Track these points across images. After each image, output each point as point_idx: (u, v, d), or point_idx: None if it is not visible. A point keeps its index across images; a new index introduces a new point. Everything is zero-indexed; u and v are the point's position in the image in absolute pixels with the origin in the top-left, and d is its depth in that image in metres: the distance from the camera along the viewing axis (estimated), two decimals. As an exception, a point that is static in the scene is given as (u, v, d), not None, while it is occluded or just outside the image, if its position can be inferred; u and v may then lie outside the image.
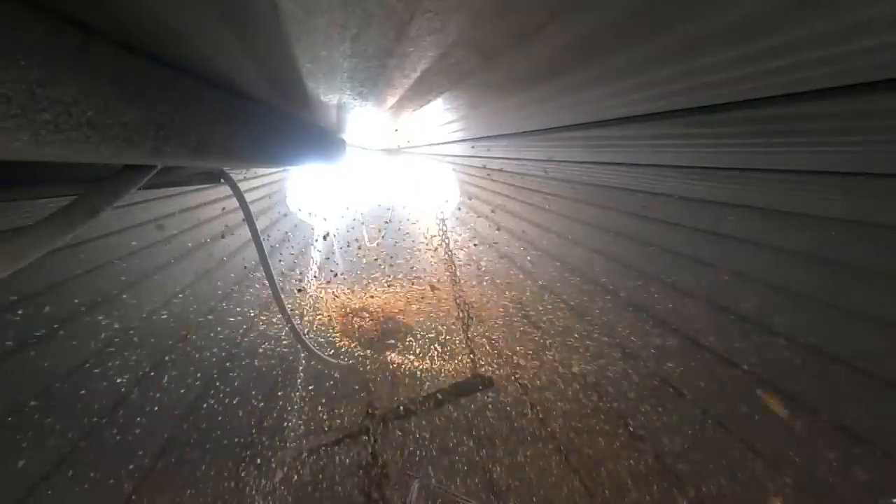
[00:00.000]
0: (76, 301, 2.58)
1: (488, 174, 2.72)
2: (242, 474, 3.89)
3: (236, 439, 3.72)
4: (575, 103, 1.58)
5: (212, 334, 3.16)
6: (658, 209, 2.45)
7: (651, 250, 2.81)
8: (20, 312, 2.38)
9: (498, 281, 3.27)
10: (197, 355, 3.19)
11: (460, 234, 3.12)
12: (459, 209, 3.01)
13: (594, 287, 3.17)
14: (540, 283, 3.26)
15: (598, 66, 1.19)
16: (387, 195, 2.93)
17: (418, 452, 3.69)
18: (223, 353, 3.32)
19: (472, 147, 2.35)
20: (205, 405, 3.45)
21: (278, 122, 1.63)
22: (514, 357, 3.46)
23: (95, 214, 1.03)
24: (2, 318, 2.34)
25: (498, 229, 3.07)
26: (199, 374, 3.29)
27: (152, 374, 3.16)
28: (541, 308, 3.35)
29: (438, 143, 2.37)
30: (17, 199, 1.21)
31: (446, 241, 2.85)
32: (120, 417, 3.18)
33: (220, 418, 3.56)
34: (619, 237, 2.82)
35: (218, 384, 3.43)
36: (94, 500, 3.28)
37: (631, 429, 3.74)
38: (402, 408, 2.81)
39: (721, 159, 1.78)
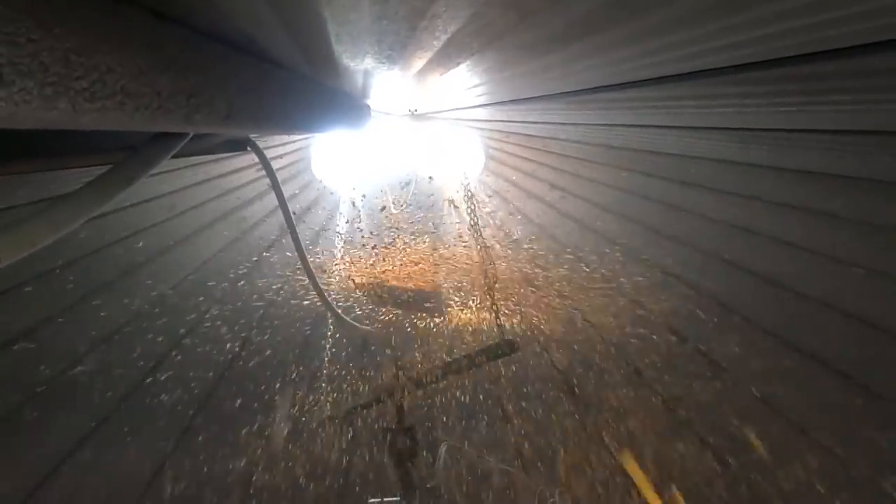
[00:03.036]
0: (114, 267, 2.64)
1: (514, 138, 2.68)
2: (273, 437, 3.99)
3: (266, 403, 3.81)
4: (607, 63, 1.54)
5: (242, 300, 3.21)
6: (690, 172, 2.40)
7: (682, 215, 2.76)
8: (63, 278, 2.45)
9: (524, 246, 3.26)
10: (227, 321, 3.25)
11: (485, 199, 3.10)
12: (485, 174, 2.98)
13: (621, 252, 3.15)
14: (566, 248, 3.23)
15: (634, 24, 1.15)
16: (412, 161, 2.90)
17: (445, 415, 3.74)
18: (253, 319, 3.38)
19: (499, 111, 2.31)
20: (235, 369, 3.53)
21: (305, 88, 1.61)
22: (540, 321, 3.47)
23: (131, 183, 1.04)
24: (46, 284, 2.41)
25: (524, 194, 3.04)
26: (229, 340, 3.35)
27: (185, 339, 3.23)
28: (567, 273, 3.33)
29: (464, 108, 2.34)
30: (54, 169, 1.22)
31: (471, 206, 2.83)
32: (155, 382, 3.28)
33: (249, 382, 3.64)
34: (647, 201, 2.78)
35: (247, 349, 3.49)
36: (135, 457, 3.42)
37: (658, 390, 3.74)
38: (428, 372, 2.83)
39: (759, 119, 1.72)
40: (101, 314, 2.77)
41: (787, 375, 3.13)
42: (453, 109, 2.40)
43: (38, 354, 2.67)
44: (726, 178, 2.36)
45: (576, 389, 3.95)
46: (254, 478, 4.22)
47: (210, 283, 3.09)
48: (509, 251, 3.26)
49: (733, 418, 3.55)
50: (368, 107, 2.12)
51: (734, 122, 1.79)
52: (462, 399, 3.78)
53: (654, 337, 3.47)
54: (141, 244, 2.62)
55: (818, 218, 2.33)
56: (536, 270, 3.34)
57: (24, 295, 2.38)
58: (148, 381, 3.27)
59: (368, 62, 1.56)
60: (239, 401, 3.69)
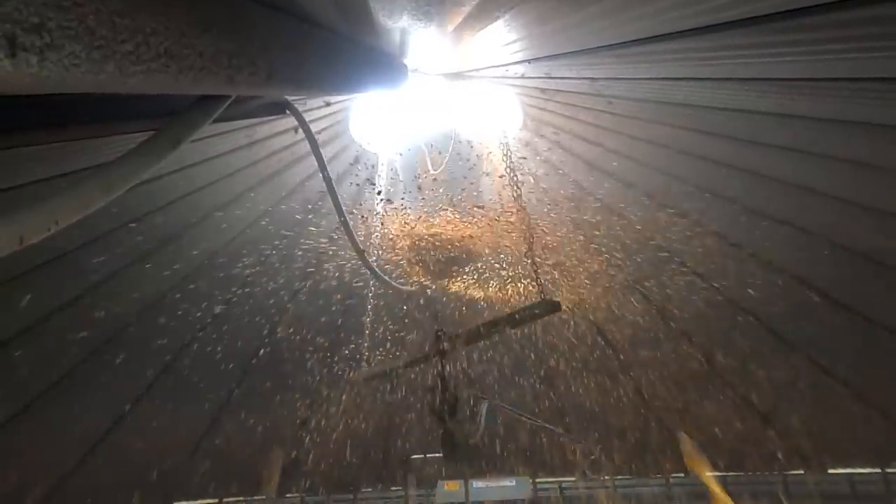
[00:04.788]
0: (163, 229, 2.73)
1: (552, 95, 2.63)
2: (321, 394, 4.11)
3: (312, 362, 3.91)
4: (650, 14, 1.48)
5: (285, 262, 3.28)
6: (736, 126, 2.31)
7: (721, 169, 2.68)
8: (116, 240, 2.55)
9: (563, 204, 3.22)
10: (272, 282, 3.32)
11: (524, 158, 3.06)
12: (523, 132, 2.94)
13: (661, 209, 3.08)
14: (606, 206, 3.19)
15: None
16: (449, 120, 2.87)
17: (487, 374, 3.78)
18: (295, 280, 3.45)
19: (537, 67, 2.26)
20: (280, 330, 3.63)
21: (342, 47, 1.60)
22: (580, 281, 3.44)
23: (176, 146, 1.06)
24: (101, 245, 2.52)
25: (562, 151, 2.99)
26: (273, 300, 3.44)
27: (232, 299, 3.33)
28: (607, 232, 3.29)
29: (502, 65, 2.29)
30: (103, 136, 1.25)
31: (510, 165, 2.80)
32: (200, 345, 3.41)
33: (294, 343, 3.74)
34: (687, 156, 2.70)
35: (291, 310, 3.58)
36: (190, 413, 3.60)
37: (701, 353, 3.71)
38: (470, 331, 2.86)
39: (809, 69, 1.64)
40: (153, 275, 2.89)
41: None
42: (491, 67, 2.36)
43: (97, 312, 2.81)
44: (774, 132, 2.27)
45: (616, 348, 3.95)
46: (300, 435, 4.38)
47: (253, 247, 3.16)
48: (548, 209, 3.23)
49: (769, 370, 3.53)
50: (405, 66, 2.11)
51: (782, 72, 1.71)
52: (503, 358, 3.81)
53: (696, 296, 3.43)
54: (186, 208, 2.70)
55: (856, 168, 2.25)
56: (576, 228, 3.31)
57: (79, 257, 2.49)
58: (194, 343, 3.41)
59: (406, 19, 1.55)
60: (281, 361, 3.80)
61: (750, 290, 3.24)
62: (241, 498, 4.94)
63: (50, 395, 2.93)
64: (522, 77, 2.45)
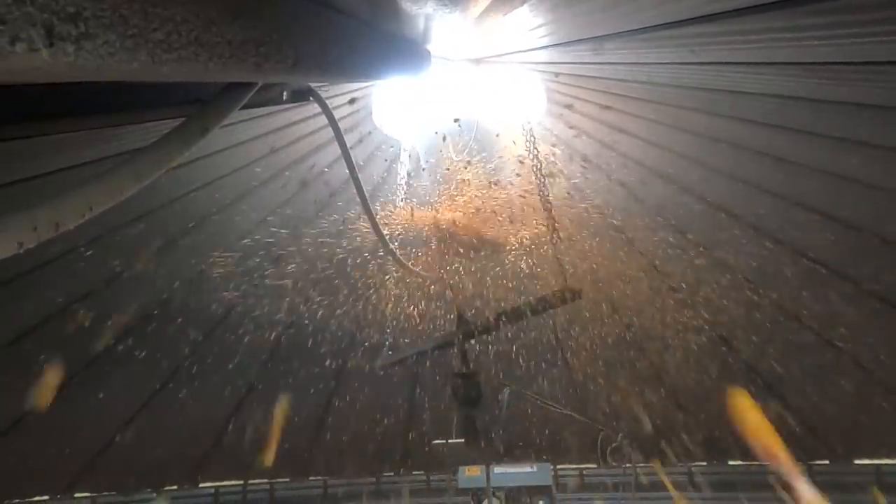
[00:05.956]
0: (191, 215, 2.78)
1: (577, 80, 2.60)
2: (342, 379, 4.15)
3: (333, 348, 3.95)
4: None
5: (308, 250, 3.31)
6: (769, 112, 2.27)
7: (751, 155, 2.64)
8: (143, 227, 2.60)
9: (587, 193, 3.19)
10: (295, 267, 3.35)
11: (548, 145, 3.03)
12: (547, 119, 2.91)
13: (688, 197, 3.04)
14: (631, 194, 3.15)
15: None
16: (472, 106, 2.86)
17: (508, 361, 3.79)
18: (319, 266, 3.47)
19: (562, 52, 2.23)
20: (304, 315, 3.67)
21: (366, 34, 1.60)
22: (604, 269, 3.42)
23: (205, 134, 1.07)
24: (129, 231, 2.58)
25: (586, 137, 2.96)
26: (298, 284, 3.47)
27: (257, 284, 3.37)
28: (631, 220, 3.26)
29: (527, 50, 2.27)
30: (133, 123, 1.27)
31: (534, 152, 2.78)
32: (229, 324, 3.47)
33: (317, 329, 3.77)
34: (717, 143, 2.66)
35: (314, 295, 3.61)
36: (217, 392, 3.67)
37: (724, 342, 3.67)
38: (492, 318, 2.86)
39: (852, 52, 1.59)
40: (181, 259, 2.95)
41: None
42: (515, 52, 2.33)
43: (128, 294, 2.89)
44: (816, 119, 2.22)
45: (637, 337, 3.92)
46: (325, 418, 4.43)
47: (277, 234, 3.19)
48: (571, 195, 3.20)
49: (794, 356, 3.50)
50: (429, 52, 2.10)
51: (822, 55, 1.66)
52: (525, 344, 3.81)
53: (717, 283, 3.39)
54: (213, 194, 2.74)
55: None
56: (600, 217, 3.28)
57: (112, 242, 2.55)
58: (218, 327, 3.46)
59: (430, 5, 1.54)
60: (304, 345, 3.85)
61: (777, 279, 3.21)
62: (265, 480, 5.04)
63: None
64: (548, 62, 2.43)
